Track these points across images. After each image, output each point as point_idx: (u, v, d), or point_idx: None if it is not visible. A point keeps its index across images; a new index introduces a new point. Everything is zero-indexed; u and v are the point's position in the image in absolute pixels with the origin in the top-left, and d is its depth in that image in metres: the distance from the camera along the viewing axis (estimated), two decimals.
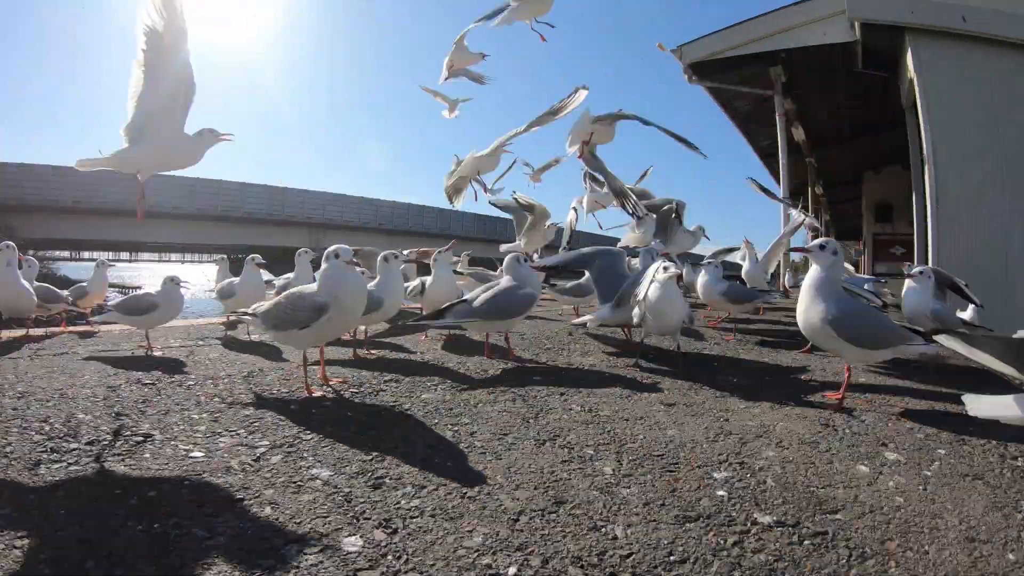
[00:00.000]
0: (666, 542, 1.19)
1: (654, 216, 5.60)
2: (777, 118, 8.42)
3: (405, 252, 3.46)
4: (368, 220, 36.31)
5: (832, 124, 10.89)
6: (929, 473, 1.60)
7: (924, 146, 6.55)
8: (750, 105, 10.27)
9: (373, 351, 3.15)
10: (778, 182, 10.24)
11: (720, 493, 1.42)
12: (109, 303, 3.36)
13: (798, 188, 15.35)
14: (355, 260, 2.25)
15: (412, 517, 1.26)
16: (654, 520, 1.28)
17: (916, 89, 6.57)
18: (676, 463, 1.62)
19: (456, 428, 1.89)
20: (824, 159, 12.54)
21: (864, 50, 7.31)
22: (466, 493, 1.38)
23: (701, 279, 4.33)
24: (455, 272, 4.56)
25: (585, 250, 3.86)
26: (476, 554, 1.12)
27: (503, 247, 5.76)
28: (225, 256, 5.39)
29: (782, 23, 7.75)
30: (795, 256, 7.93)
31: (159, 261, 43.67)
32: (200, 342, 3.38)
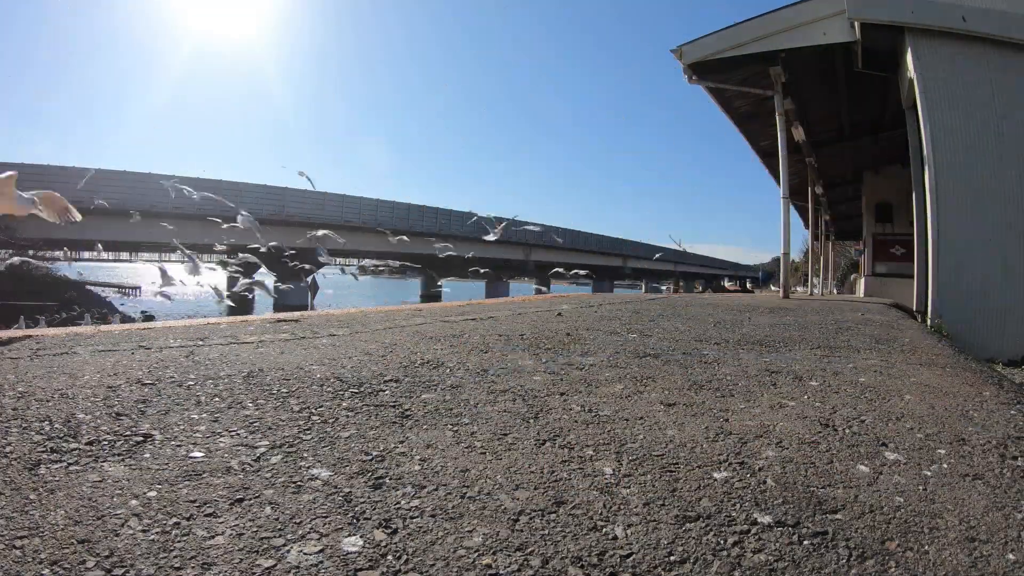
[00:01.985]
0: (666, 542, 1.19)
1: None
2: (777, 118, 8.42)
3: None
4: (368, 220, 36.40)
5: (832, 124, 10.90)
6: (929, 473, 1.60)
7: (924, 146, 6.56)
8: (750, 105, 10.30)
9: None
10: (778, 182, 10.25)
11: (720, 493, 1.43)
12: None
13: (798, 188, 15.40)
14: None
15: (412, 517, 1.26)
16: (654, 520, 1.28)
17: (916, 89, 6.58)
18: (676, 463, 1.62)
19: (456, 428, 1.89)
20: (824, 159, 12.55)
21: (864, 50, 7.32)
22: (466, 493, 1.39)
23: None
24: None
25: None
26: (476, 554, 1.12)
27: None
28: None
29: (782, 23, 7.76)
30: None
31: (159, 261, 43.93)
32: (200, 342, 3.38)
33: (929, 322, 6.35)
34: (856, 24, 6.99)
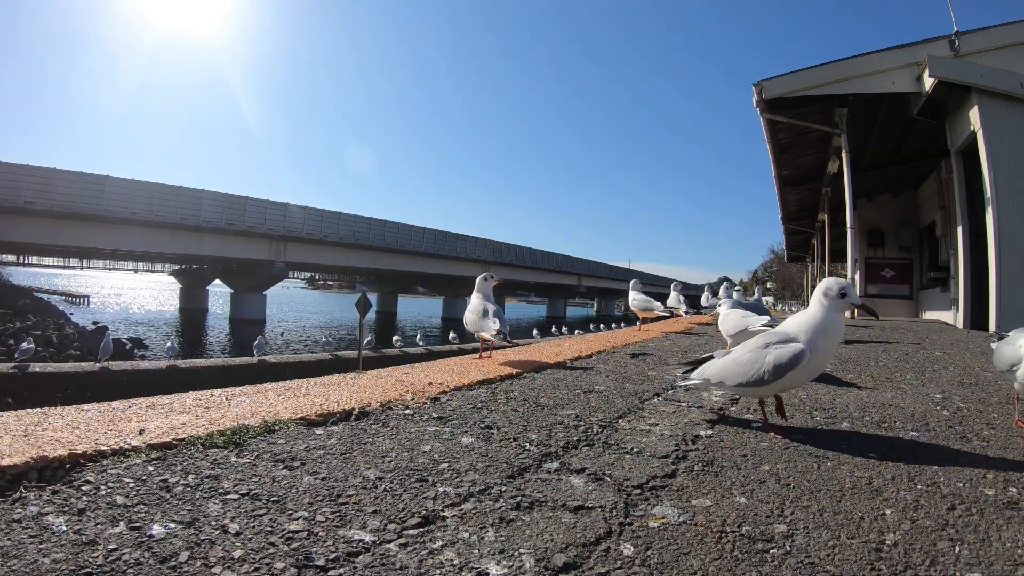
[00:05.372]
0: None
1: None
2: (844, 155, 9.36)
3: None
4: (330, 233, 34.95)
5: (859, 157, 12.15)
6: None
7: (987, 187, 7.62)
8: (790, 138, 11.31)
9: None
10: (782, 207, 11.22)
11: None
12: None
13: (796, 214, 16.93)
14: None
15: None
16: None
17: (980, 139, 7.65)
18: None
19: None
20: (837, 189, 13.96)
21: (927, 101, 8.39)
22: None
23: None
24: None
25: None
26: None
27: None
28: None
29: (853, 70, 8.69)
30: None
31: (110, 270, 39.24)
32: None
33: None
34: (927, 80, 8.04)
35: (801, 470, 1.51)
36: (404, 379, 2.59)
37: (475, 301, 3.23)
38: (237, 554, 0.97)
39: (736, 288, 7.10)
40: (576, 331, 21.07)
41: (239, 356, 14.22)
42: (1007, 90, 7.55)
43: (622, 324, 20.40)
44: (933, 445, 1.79)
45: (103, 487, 1.20)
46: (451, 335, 18.88)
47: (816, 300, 1.81)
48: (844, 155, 9.33)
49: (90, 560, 0.92)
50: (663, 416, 2.08)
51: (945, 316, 11.21)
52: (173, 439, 1.50)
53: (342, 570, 0.94)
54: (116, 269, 39.93)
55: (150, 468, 1.32)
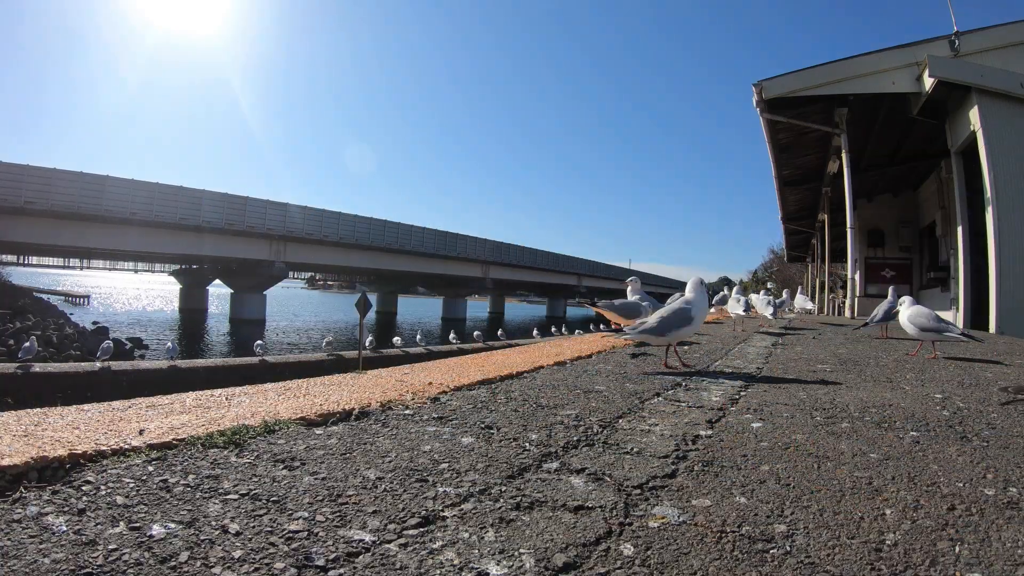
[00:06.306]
0: None
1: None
2: (844, 155, 9.36)
3: None
4: (329, 234, 34.97)
5: (859, 157, 12.17)
6: None
7: (987, 187, 7.63)
8: (790, 138, 11.32)
9: None
10: (782, 207, 11.19)
11: None
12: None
13: (796, 214, 16.94)
14: None
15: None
16: None
17: (980, 139, 7.66)
18: None
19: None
20: (837, 189, 13.96)
21: (926, 101, 8.40)
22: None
23: None
24: None
25: None
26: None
27: None
28: None
29: (853, 70, 8.71)
30: None
31: (111, 270, 39.40)
32: None
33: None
34: (927, 80, 8.06)
35: (801, 470, 1.50)
36: (404, 379, 2.59)
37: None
38: (237, 554, 0.97)
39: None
40: (576, 331, 21.06)
41: (239, 356, 14.23)
42: (1007, 90, 7.56)
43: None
44: (933, 445, 1.79)
45: (103, 487, 1.20)
46: (451, 335, 18.87)
47: None
48: (844, 155, 9.34)
49: (90, 560, 0.92)
50: (663, 416, 2.08)
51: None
52: (173, 439, 1.50)
53: (342, 570, 0.94)
54: (116, 269, 40.10)
55: (150, 468, 1.32)
